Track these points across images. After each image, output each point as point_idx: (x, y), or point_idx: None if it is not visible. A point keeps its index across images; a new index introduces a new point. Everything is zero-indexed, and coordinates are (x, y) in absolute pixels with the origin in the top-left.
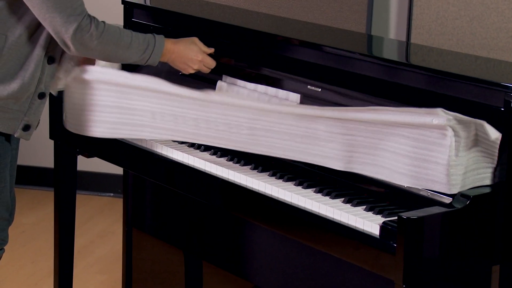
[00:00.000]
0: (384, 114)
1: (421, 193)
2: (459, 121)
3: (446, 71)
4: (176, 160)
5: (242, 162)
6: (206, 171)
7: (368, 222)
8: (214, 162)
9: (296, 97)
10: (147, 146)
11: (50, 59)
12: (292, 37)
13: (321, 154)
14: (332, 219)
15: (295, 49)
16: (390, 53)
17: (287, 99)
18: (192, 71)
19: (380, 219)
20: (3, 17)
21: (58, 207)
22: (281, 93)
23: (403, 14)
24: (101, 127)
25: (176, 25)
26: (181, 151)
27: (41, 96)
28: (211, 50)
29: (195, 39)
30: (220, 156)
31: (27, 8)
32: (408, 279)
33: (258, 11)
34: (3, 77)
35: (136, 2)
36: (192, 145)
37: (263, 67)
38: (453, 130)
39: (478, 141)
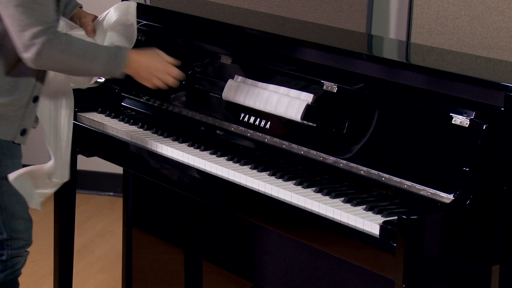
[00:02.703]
0: None
1: (421, 193)
2: None
3: (446, 71)
4: (176, 159)
5: (242, 161)
6: (206, 171)
7: (368, 222)
8: (214, 162)
9: (309, 96)
10: (147, 145)
11: None
12: (294, 37)
13: None
14: (332, 219)
15: (296, 49)
16: (390, 52)
17: (298, 98)
18: (157, 81)
19: (380, 219)
20: None
21: (58, 206)
22: (293, 92)
23: (403, 13)
24: None
25: (176, 25)
26: (181, 151)
27: (35, 99)
28: (176, 62)
29: (157, 49)
30: (220, 156)
31: None
32: (408, 279)
33: (258, 11)
34: (2, 84)
35: (137, 1)
36: (192, 144)
37: (263, 66)
38: None
39: None
